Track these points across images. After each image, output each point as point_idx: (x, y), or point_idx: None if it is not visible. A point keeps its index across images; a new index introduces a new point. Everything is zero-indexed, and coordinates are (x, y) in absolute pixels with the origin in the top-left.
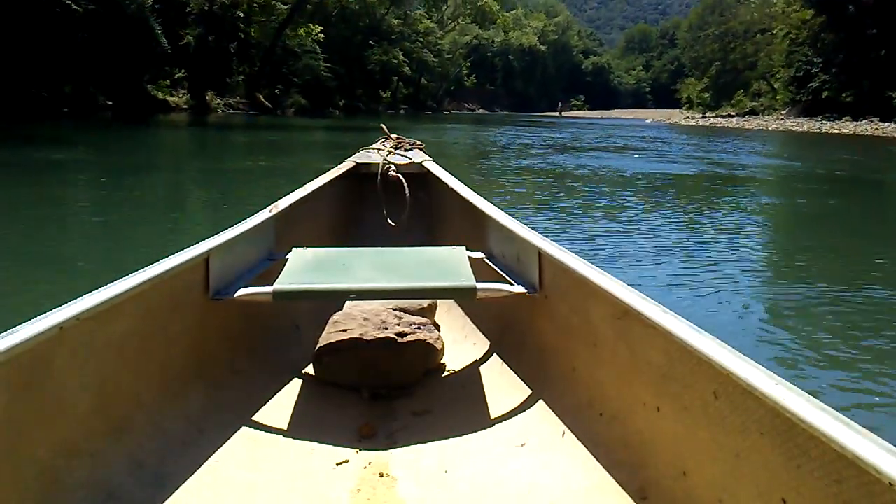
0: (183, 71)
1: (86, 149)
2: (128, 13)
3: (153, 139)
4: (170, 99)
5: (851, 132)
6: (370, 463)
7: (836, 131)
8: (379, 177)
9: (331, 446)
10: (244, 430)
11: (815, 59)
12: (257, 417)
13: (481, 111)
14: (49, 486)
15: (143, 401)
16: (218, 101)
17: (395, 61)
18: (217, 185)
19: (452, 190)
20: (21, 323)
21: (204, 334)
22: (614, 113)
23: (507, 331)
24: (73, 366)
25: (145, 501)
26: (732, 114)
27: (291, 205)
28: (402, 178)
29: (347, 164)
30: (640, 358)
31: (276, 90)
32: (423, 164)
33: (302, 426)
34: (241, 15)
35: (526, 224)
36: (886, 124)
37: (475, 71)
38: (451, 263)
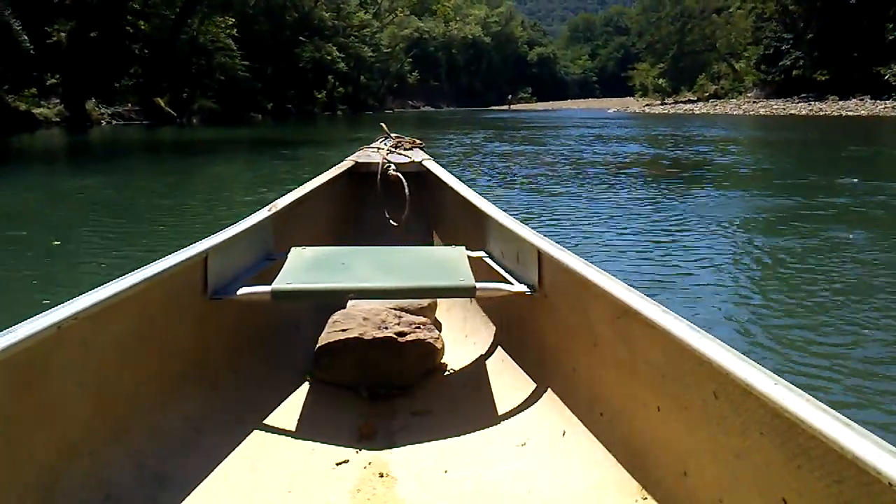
0: (56, 76)
1: None
2: None
3: None
4: (36, 111)
5: (869, 113)
6: (370, 463)
7: (852, 113)
8: (378, 176)
9: (331, 446)
10: (243, 430)
11: (784, 36)
12: (256, 417)
13: (426, 108)
14: (48, 487)
15: (142, 401)
16: (103, 110)
17: (329, 58)
18: None
19: (452, 189)
20: (18, 322)
21: (202, 334)
22: (566, 104)
23: (506, 330)
24: (72, 366)
25: (144, 501)
26: (693, 98)
27: (290, 204)
28: (401, 177)
29: (347, 164)
30: (639, 358)
31: (184, 94)
32: (423, 163)
33: (301, 426)
34: (137, 7)
35: (526, 224)
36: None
37: (418, 66)
38: (450, 263)
